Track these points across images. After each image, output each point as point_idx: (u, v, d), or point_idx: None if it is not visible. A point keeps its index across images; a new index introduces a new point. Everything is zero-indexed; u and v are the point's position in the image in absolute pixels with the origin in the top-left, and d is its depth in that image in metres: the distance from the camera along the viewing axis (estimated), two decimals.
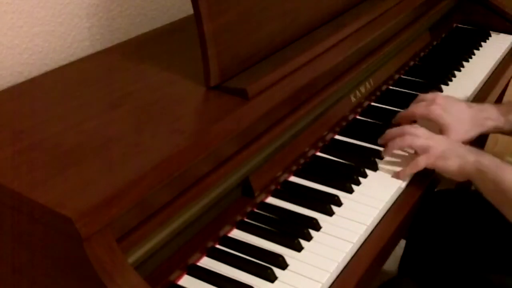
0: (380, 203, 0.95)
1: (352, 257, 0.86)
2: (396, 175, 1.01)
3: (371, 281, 0.88)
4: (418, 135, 1.02)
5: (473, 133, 1.09)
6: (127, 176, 0.72)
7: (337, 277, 0.83)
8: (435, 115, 1.07)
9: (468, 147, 0.99)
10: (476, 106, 1.13)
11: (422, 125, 1.06)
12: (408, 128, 1.04)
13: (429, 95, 1.13)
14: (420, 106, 1.10)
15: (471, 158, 0.96)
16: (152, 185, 0.73)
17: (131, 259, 0.73)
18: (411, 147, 1.03)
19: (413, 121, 1.12)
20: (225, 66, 0.93)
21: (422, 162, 0.99)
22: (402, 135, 1.03)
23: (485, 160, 0.94)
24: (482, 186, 0.95)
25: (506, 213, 0.92)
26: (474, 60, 1.48)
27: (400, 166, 1.03)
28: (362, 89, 1.21)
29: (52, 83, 0.98)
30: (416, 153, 1.02)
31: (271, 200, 0.96)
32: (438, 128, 1.07)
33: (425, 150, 1.00)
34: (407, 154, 1.06)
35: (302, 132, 1.03)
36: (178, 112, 0.88)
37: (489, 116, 1.10)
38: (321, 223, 0.90)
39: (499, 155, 1.02)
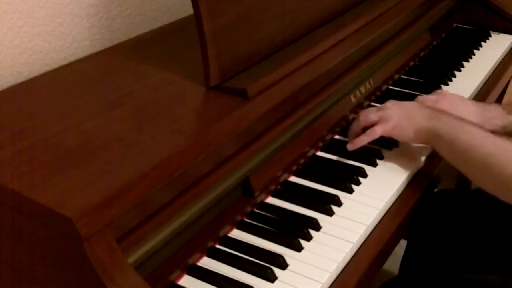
0: (380, 203, 0.95)
1: (352, 257, 0.86)
2: (352, 144, 1.02)
3: (371, 281, 0.88)
4: (369, 111, 1.04)
5: None
6: (127, 176, 0.72)
7: (337, 277, 0.83)
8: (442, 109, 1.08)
9: (422, 110, 1.00)
10: (482, 106, 1.14)
11: None
12: (360, 115, 1.06)
13: (438, 92, 1.15)
14: (428, 101, 1.11)
15: (424, 122, 0.97)
16: (152, 185, 0.73)
17: (131, 259, 0.73)
18: (367, 124, 1.03)
19: None
20: (225, 66, 0.93)
21: (378, 130, 1.01)
22: (359, 125, 1.05)
23: (439, 123, 0.96)
24: (440, 149, 0.97)
25: (465, 172, 0.93)
26: (474, 60, 1.48)
27: (401, 166, 1.03)
28: (362, 89, 1.21)
29: (52, 83, 0.98)
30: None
31: (271, 200, 0.96)
32: None
33: (379, 121, 1.01)
34: (408, 154, 1.06)
35: (302, 132, 1.03)
36: (178, 112, 0.88)
37: (495, 115, 1.11)
38: (321, 223, 0.90)
39: None
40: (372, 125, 1.02)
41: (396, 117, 1.01)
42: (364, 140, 1.02)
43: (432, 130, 0.96)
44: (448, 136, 0.94)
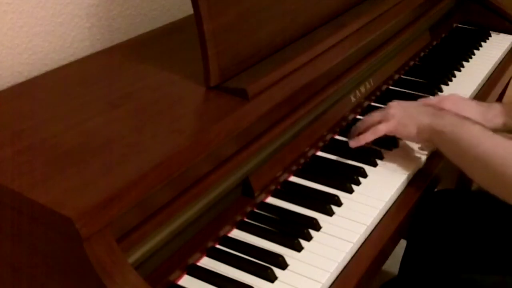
0: (380, 203, 0.95)
1: (352, 257, 0.86)
2: (355, 141, 1.03)
3: (371, 281, 0.88)
4: (374, 113, 1.05)
5: None
6: (127, 176, 0.72)
7: (337, 277, 0.83)
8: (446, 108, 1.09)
9: (425, 108, 1.01)
10: (485, 104, 1.15)
11: None
12: (366, 118, 1.07)
13: (440, 95, 1.16)
14: (432, 100, 1.12)
15: (426, 120, 0.98)
16: (152, 185, 0.73)
17: (131, 259, 0.73)
18: (371, 123, 1.04)
19: None
20: (225, 66, 0.93)
21: (382, 128, 1.02)
22: (364, 126, 1.06)
23: (441, 120, 0.96)
24: (442, 147, 0.97)
25: (467, 171, 0.94)
26: (474, 60, 1.48)
27: (401, 166, 1.03)
28: (362, 89, 1.21)
29: (52, 83, 0.98)
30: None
31: (271, 200, 0.96)
32: None
33: (384, 120, 1.02)
34: (408, 154, 1.06)
35: (302, 132, 1.03)
36: (178, 112, 0.88)
37: (497, 113, 1.11)
38: (321, 223, 0.90)
39: None
40: (375, 124, 1.03)
41: (399, 115, 1.02)
42: (368, 137, 1.03)
43: (435, 128, 0.97)
44: (450, 134, 0.94)
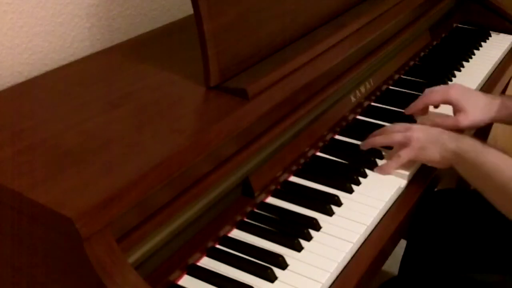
0: (380, 203, 0.95)
1: (352, 257, 0.86)
2: (380, 169, 1.02)
3: (371, 281, 0.88)
4: (397, 131, 1.04)
5: (485, 117, 1.12)
6: (127, 176, 0.72)
7: (337, 277, 0.83)
8: (453, 99, 1.11)
9: (448, 133, 1.00)
10: (490, 95, 1.16)
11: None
12: (387, 127, 1.07)
13: (445, 85, 1.17)
14: (438, 92, 1.13)
15: (450, 145, 0.97)
16: (152, 185, 0.73)
17: (131, 259, 0.73)
18: (391, 144, 1.04)
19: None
20: (225, 66, 0.93)
21: (404, 156, 1.01)
22: (382, 133, 1.05)
23: (464, 145, 0.96)
24: (464, 172, 0.96)
25: (489, 197, 0.93)
26: (474, 60, 1.48)
27: (401, 166, 1.03)
28: (362, 89, 1.21)
29: (52, 83, 0.98)
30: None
31: (271, 200, 0.96)
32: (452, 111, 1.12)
33: (405, 144, 1.01)
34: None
35: (302, 132, 1.03)
36: (178, 112, 0.88)
37: (502, 104, 1.12)
38: (321, 223, 0.90)
39: None
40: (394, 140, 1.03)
41: (422, 139, 1.00)
42: (392, 166, 1.01)
43: (459, 153, 0.96)
44: (474, 160, 0.93)
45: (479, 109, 1.11)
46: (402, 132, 1.03)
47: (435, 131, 1.02)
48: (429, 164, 1.02)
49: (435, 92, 1.13)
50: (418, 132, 1.02)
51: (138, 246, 0.75)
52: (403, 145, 1.01)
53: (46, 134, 0.81)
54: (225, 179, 0.87)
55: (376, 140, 1.05)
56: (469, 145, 0.95)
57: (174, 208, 0.79)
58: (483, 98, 1.13)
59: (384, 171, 1.02)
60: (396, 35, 1.34)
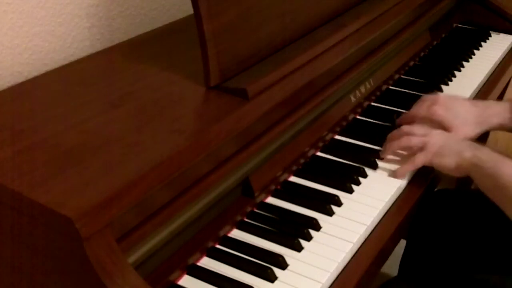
0: (380, 203, 0.95)
1: (352, 257, 0.86)
2: (394, 174, 1.01)
3: (371, 281, 0.88)
4: (414, 133, 1.03)
5: (478, 130, 1.09)
6: (127, 176, 0.72)
7: (337, 277, 0.83)
8: (438, 116, 1.08)
9: (466, 142, 1.00)
10: (480, 104, 1.13)
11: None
12: (404, 127, 1.05)
13: (431, 96, 1.13)
14: (422, 107, 1.10)
15: (468, 154, 0.96)
16: (152, 185, 0.73)
17: (131, 259, 0.73)
18: (408, 146, 1.03)
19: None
20: (225, 66, 0.93)
21: (419, 160, 1.00)
22: (399, 136, 1.04)
23: (482, 155, 0.94)
24: (481, 182, 0.95)
25: (505, 209, 0.91)
26: (474, 60, 1.48)
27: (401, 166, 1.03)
28: (362, 89, 1.21)
29: (52, 83, 0.98)
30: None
31: (271, 200, 0.96)
32: (441, 128, 1.07)
33: (422, 148, 1.00)
34: (406, 153, 1.06)
35: (302, 132, 1.03)
36: (178, 112, 0.88)
37: (494, 113, 1.10)
38: (321, 223, 0.90)
39: None
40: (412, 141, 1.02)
41: (439, 146, 0.99)
42: (407, 169, 1.01)
43: (476, 163, 0.94)
44: (491, 170, 0.92)
45: (468, 125, 1.08)
46: (420, 136, 1.02)
47: (454, 138, 1.02)
48: (444, 172, 1.00)
49: (419, 107, 1.11)
50: (436, 138, 1.01)
51: (138, 246, 0.75)
52: (420, 148, 1.00)
53: (46, 134, 0.81)
54: (225, 179, 0.87)
55: (394, 145, 1.04)
56: (487, 155, 0.94)
57: (174, 208, 0.79)
58: (473, 110, 1.10)
59: (398, 174, 1.01)
60: (396, 35, 1.34)
